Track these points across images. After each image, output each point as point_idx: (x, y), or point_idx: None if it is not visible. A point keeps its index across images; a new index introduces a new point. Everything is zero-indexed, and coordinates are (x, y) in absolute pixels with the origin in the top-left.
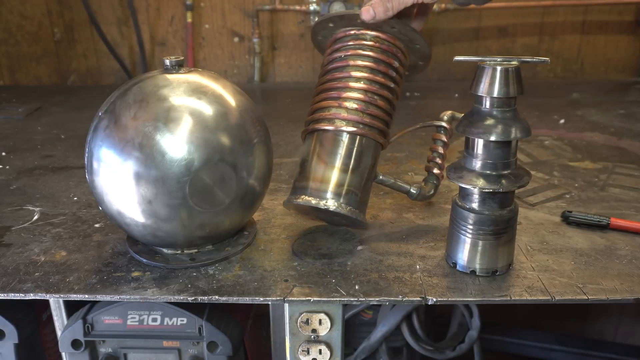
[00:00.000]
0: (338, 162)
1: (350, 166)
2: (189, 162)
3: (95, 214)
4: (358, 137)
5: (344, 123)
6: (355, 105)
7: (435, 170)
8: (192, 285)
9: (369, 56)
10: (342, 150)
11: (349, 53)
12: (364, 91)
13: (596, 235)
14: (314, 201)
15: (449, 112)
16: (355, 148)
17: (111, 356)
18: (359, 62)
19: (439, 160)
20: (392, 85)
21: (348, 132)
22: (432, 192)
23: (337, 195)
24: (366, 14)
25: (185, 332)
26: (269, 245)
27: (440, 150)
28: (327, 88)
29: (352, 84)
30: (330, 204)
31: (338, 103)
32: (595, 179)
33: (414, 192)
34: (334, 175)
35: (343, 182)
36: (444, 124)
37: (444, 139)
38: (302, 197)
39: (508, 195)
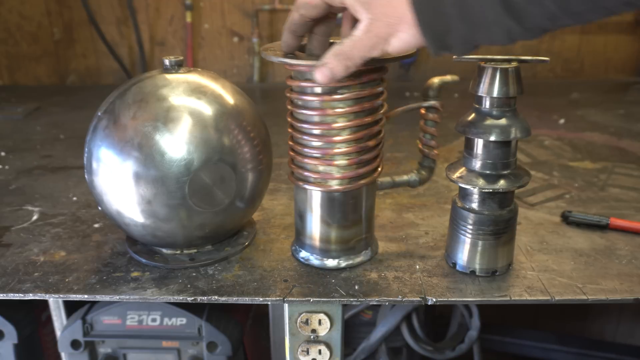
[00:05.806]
0: (340, 221)
1: (352, 220)
2: (189, 162)
3: (94, 214)
4: (354, 190)
5: (337, 183)
6: (345, 162)
7: (430, 152)
8: (191, 286)
9: (348, 99)
10: (340, 208)
11: (323, 99)
12: (353, 141)
13: (596, 235)
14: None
15: (436, 81)
16: (353, 201)
17: (110, 356)
18: (339, 110)
19: (432, 142)
20: (380, 116)
21: (343, 192)
22: (430, 175)
23: (346, 250)
24: (322, 76)
25: (184, 332)
26: (268, 245)
27: (431, 130)
28: (308, 142)
29: (337, 138)
30: (343, 263)
31: (327, 162)
32: (595, 179)
33: (416, 179)
34: (339, 235)
35: (349, 237)
36: (432, 103)
37: (434, 117)
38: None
39: (508, 195)
